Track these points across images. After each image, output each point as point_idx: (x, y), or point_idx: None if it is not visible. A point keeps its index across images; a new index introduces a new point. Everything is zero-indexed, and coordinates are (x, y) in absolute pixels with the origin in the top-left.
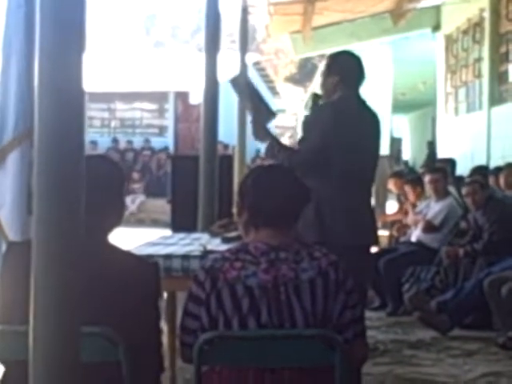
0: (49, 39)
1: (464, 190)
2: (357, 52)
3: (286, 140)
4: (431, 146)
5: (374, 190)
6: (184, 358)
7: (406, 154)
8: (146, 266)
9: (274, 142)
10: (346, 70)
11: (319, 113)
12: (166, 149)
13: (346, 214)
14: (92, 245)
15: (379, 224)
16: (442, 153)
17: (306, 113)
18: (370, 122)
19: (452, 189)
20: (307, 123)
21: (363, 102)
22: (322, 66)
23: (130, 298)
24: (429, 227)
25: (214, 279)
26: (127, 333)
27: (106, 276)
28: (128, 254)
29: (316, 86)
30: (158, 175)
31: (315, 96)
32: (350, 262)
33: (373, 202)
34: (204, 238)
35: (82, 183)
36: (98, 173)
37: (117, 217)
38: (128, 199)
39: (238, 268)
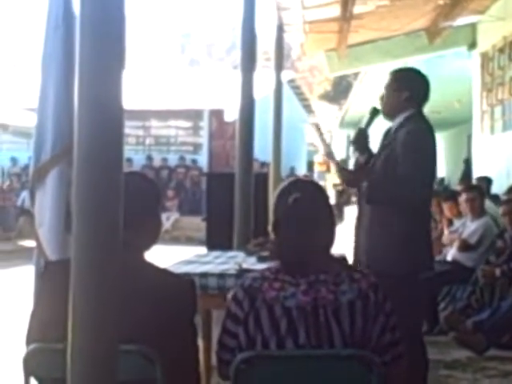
0: (88, 58)
1: (500, 209)
2: (422, 71)
3: (319, 157)
4: (467, 163)
5: None
6: (221, 375)
7: (441, 172)
8: (182, 283)
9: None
10: (416, 87)
11: (419, 139)
12: (194, 162)
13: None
14: (128, 262)
15: None
16: (477, 171)
17: (364, 126)
18: (435, 144)
19: (491, 204)
20: (403, 146)
21: (429, 124)
22: (358, 80)
23: (166, 315)
24: (464, 246)
25: (252, 299)
26: (164, 350)
27: (142, 293)
28: (164, 272)
29: (350, 103)
30: (192, 192)
31: (375, 110)
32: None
33: None
34: (239, 256)
35: (121, 201)
36: (133, 190)
37: (153, 234)
38: (162, 217)
39: (277, 288)
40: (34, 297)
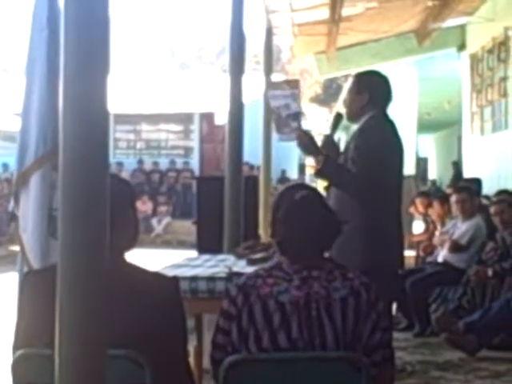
0: (73, 61)
1: (492, 209)
2: (382, 72)
3: (310, 161)
4: (456, 166)
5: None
6: (215, 377)
7: (432, 174)
8: (163, 281)
9: (329, 159)
10: (375, 89)
11: (370, 139)
12: (186, 164)
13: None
14: (110, 263)
15: (406, 244)
16: (468, 172)
17: (329, 132)
18: (398, 143)
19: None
20: (358, 148)
21: (391, 123)
22: (348, 84)
23: (152, 314)
24: (455, 247)
25: (246, 295)
26: (152, 351)
27: (126, 295)
28: (145, 272)
29: (341, 106)
30: (184, 195)
31: (338, 115)
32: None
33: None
34: (229, 259)
35: (107, 205)
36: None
37: (132, 234)
38: (154, 220)
39: (270, 284)
40: (17, 307)
